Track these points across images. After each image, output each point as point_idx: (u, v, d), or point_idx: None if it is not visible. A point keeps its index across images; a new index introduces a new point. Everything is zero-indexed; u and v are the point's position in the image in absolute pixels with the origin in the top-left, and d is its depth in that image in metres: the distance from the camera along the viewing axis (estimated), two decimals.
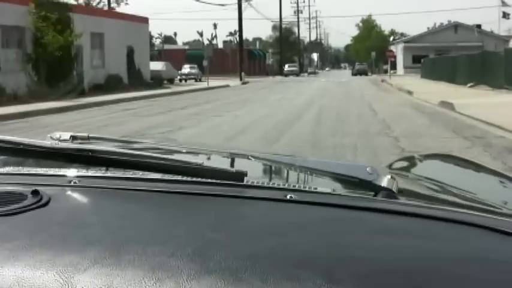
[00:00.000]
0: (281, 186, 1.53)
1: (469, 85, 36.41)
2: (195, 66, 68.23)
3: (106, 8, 63.02)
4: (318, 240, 1.17)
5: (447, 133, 14.66)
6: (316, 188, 1.50)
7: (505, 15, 78.50)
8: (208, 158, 2.08)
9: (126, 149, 1.74)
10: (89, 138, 1.83)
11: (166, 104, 27.81)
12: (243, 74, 64.47)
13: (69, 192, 1.43)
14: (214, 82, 51.56)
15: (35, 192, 1.33)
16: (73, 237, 1.14)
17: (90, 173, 1.59)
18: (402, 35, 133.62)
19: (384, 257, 1.09)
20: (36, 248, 1.08)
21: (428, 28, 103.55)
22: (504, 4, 78.65)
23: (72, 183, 1.48)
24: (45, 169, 1.62)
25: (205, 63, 53.62)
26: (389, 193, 1.44)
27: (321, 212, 1.33)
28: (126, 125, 18.29)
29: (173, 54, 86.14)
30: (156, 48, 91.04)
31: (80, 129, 16.97)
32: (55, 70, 32.50)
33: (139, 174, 1.53)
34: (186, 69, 68.60)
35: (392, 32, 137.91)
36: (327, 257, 1.08)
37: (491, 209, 1.66)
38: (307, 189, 1.50)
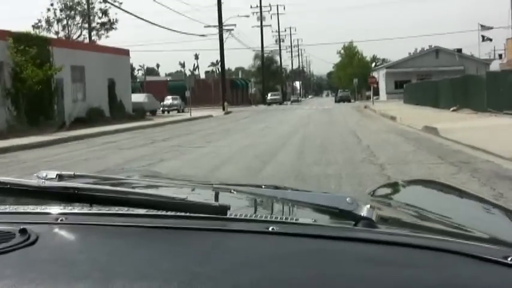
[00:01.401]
0: (263, 219, 1.57)
1: (452, 109, 36.47)
2: (178, 97, 68.21)
3: (87, 41, 63.00)
4: (300, 271, 1.19)
5: (433, 159, 14.45)
6: (297, 219, 1.54)
7: (485, 38, 79.12)
8: (192, 192, 2.15)
9: (111, 185, 1.76)
10: (74, 176, 1.85)
11: (149, 136, 27.56)
12: (225, 103, 64.41)
13: (56, 230, 1.44)
14: (196, 113, 51.45)
15: (23, 231, 1.34)
16: (62, 275, 1.15)
17: (77, 210, 1.62)
18: (384, 60, 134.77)
19: (365, 286, 1.12)
20: (25, 286, 1.10)
21: (409, 53, 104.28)
22: (484, 28, 79.30)
23: (59, 221, 1.48)
24: (32, 207, 1.64)
25: (187, 94, 53.53)
26: (369, 222, 1.45)
27: (303, 243, 1.36)
28: (106, 158, 18.01)
29: (155, 85, 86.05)
30: (138, 80, 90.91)
31: (60, 164, 16.79)
32: (35, 104, 32.30)
33: (124, 210, 1.55)
34: (169, 100, 68.58)
35: (374, 58, 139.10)
36: (309, 286, 1.11)
37: (470, 235, 1.67)
38: (288, 220, 1.54)
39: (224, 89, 69.51)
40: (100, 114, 40.54)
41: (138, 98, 53.50)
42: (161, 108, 63.88)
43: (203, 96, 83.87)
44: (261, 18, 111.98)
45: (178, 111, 64.94)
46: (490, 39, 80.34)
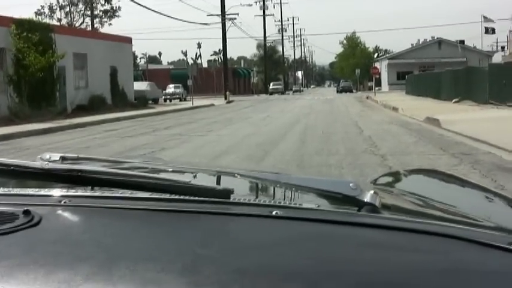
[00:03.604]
0: (267, 203, 1.56)
1: (454, 101, 36.43)
2: (180, 85, 68.23)
3: (89, 28, 62.95)
4: (304, 254, 1.19)
5: (434, 150, 14.47)
6: (301, 204, 1.55)
7: (488, 30, 78.97)
8: (195, 176, 2.12)
9: (115, 168, 1.78)
10: (78, 158, 1.85)
11: (150, 124, 27.60)
12: (227, 93, 64.40)
13: (59, 212, 1.45)
14: (198, 101, 51.44)
15: (27, 212, 1.35)
16: (65, 255, 1.16)
17: (80, 192, 1.60)
18: (386, 51, 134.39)
19: (368, 270, 1.12)
20: (30, 265, 1.10)
21: (412, 44, 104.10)
22: (487, 20, 79.16)
23: (62, 203, 1.49)
24: (35, 189, 1.63)
25: (189, 82, 53.52)
26: (372, 208, 1.45)
27: (306, 227, 1.36)
28: (108, 146, 18.03)
29: (158, 74, 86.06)
30: (140, 68, 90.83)
31: (61, 152, 16.65)
32: (37, 91, 32.29)
33: (128, 193, 1.54)
34: (171, 88, 68.60)
35: (377, 49, 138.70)
36: (312, 271, 1.10)
37: (473, 222, 1.66)
38: (292, 205, 1.57)
39: (226, 78, 69.49)
40: (102, 102, 40.52)
41: (141, 86, 53.47)
42: (163, 97, 63.89)
43: (205, 85, 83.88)
44: (264, 8, 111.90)
45: (181, 100, 64.99)
46: (493, 31, 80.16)
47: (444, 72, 45.67)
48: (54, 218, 1.40)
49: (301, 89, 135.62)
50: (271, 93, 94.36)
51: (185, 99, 63.50)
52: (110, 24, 69.36)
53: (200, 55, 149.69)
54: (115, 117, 32.14)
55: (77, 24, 66.52)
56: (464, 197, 2.60)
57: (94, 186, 1.65)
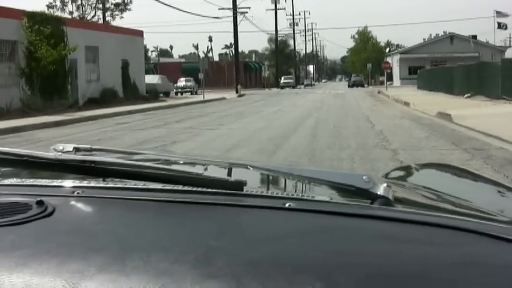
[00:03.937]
0: (280, 195, 1.57)
1: (466, 96, 36.29)
2: (191, 79, 68.26)
3: (101, 21, 63.07)
4: (316, 247, 1.19)
5: (446, 145, 14.43)
6: (314, 197, 1.58)
7: (501, 25, 78.60)
8: (208, 168, 2.12)
9: (128, 160, 1.74)
10: (91, 149, 1.85)
11: (162, 118, 27.62)
12: (239, 86, 64.34)
13: (73, 202, 1.45)
14: (210, 95, 51.41)
15: (40, 203, 1.35)
16: (78, 245, 1.16)
17: (93, 183, 1.64)
18: (398, 46, 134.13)
19: (382, 263, 1.12)
20: (43, 255, 1.11)
21: (424, 39, 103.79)
22: (499, 15, 78.76)
23: (75, 194, 1.50)
24: (49, 180, 1.66)
25: (201, 76, 53.47)
26: (385, 201, 1.45)
27: (319, 220, 1.36)
28: (119, 139, 18.06)
29: (169, 67, 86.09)
30: (151, 62, 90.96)
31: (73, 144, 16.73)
32: (49, 84, 32.36)
33: (140, 184, 1.56)
34: (182, 82, 68.66)
35: (388, 44, 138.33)
36: (325, 263, 1.11)
37: (486, 215, 1.66)
38: (305, 197, 1.57)
39: (237, 71, 69.45)
40: (114, 95, 40.61)
41: (152, 79, 53.56)
42: (174, 90, 63.97)
43: (216, 79, 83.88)
44: (276, 1, 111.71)
45: (192, 93, 65.02)
46: (506, 27, 79.79)
47: (456, 67, 45.49)
48: (67, 209, 1.40)
49: (313, 83, 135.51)
50: (282, 87, 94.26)
51: (196, 93, 63.52)
52: (122, 17, 69.67)
53: (211, 49, 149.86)
54: (126, 110, 32.17)
55: (89, 18, 66.71)
56: (477, 191, 2.60)
57: (107, 177, 1.66)
